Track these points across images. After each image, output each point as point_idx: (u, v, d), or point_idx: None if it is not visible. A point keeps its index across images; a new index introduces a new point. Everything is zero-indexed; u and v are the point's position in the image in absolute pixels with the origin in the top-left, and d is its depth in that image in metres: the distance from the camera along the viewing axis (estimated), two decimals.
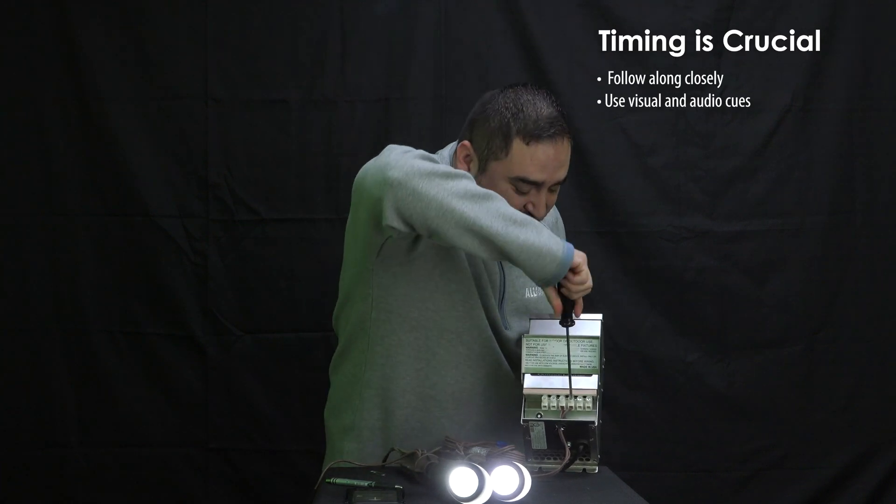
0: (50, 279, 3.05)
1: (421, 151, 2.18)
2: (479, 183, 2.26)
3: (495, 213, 2.10)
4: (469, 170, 2.28)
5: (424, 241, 2.24)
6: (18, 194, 3.04)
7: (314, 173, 3.05)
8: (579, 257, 2.14)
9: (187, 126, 3.05)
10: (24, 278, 3.05)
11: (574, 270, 2.14)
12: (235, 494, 3.07)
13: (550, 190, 2.27)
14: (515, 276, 2.36)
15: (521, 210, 2.25)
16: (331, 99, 3.06)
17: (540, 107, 2.23)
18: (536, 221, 2.15)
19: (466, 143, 2.29)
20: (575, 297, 2.16)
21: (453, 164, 2.31)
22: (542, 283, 2.15)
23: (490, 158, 2.25)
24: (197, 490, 3.07)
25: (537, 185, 2.24)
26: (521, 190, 2.24)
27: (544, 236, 2.12)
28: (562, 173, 2.26)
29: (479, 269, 2.32)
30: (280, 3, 3.06)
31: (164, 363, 3.06)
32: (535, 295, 2.39)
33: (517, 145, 2.22)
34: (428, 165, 2.11)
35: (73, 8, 3.00)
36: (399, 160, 2.12)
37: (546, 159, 2.22)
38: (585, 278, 2.15)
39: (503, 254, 2.18)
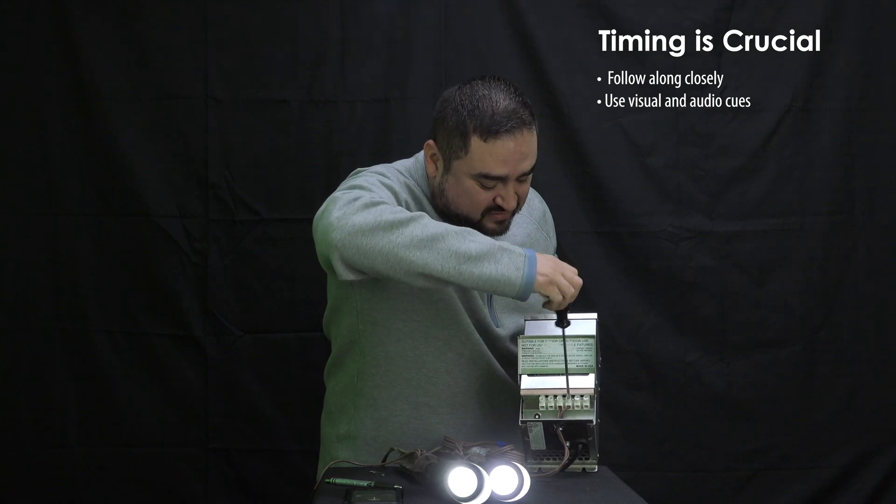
0: (50, 279, 3.05)
1: (369, 197, 2.14)
2: (445, 182, 2.27)
3: (446, 253, 2.09)
4: (437, 168, 2.28)
5: None
6: (18, 194, 3.04)
7: (314, 173, 3.05)
8: (546, 269, 2.11)
9: (187, 126, 3.05)
10: (24, 278, 3.05)
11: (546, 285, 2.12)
12: (235, 494, 3.07)
13: (519, 181, 2.26)
14: None
15: (490, 204, 2.25)
16: (331, 99, 3.06)
17: (496, 100, 2.21)
18: (495, 247, 2.10)
19: (431, 142, 2.29)
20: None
21: (425, 163, 2.31)
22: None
23: (452, 157, 2.24)
24: (197, 490, 3.07)
25: (502, 179, 2.23)
26: (486, 185, 2.24)
27: (502, 265, 2.10)
28: (526, 164, 2.24)
29: None
30: (280, 3, 3.06)
31: (164, 363, 3.06)
32: None
33: (475, 143, 2.21)
34: (370, 219, 2.08)
35: (73, 8, 3.00)
36: (340, 220, 2.10)
37: (506, 154, 2.20)
38: (563, 290, 2.13)
39: (462, 288, 2.21)
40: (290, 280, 3.05)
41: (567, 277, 2.14)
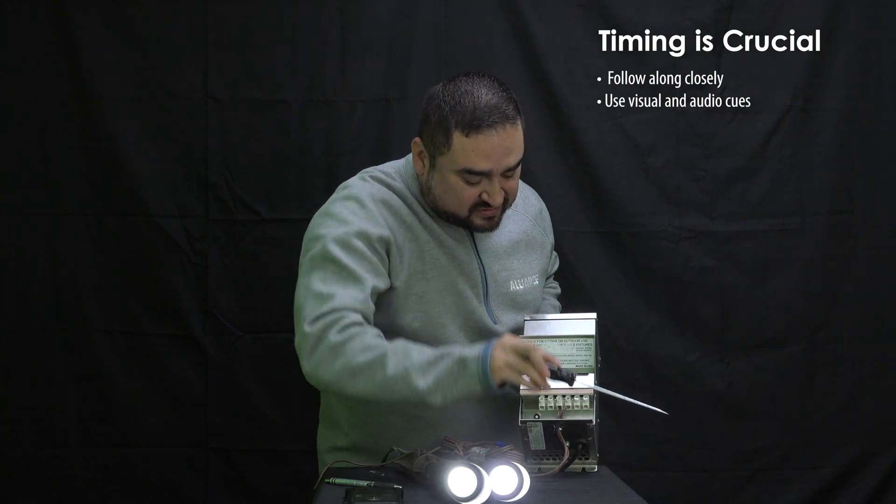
0: (50, 279, 3.05)
1: (337, 331, 2.20)
2: (431, 179, 2.28)
3: (408, 392, 2.15)
4: (424, 165, 2.29)
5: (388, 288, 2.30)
6: (18, 194, 3.04)
7: (314, 173, 3.05)
8: (497, 362, 2.11)
9: (187, 126, 3.05)
10: (24, 278, 3.05)
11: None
12: (235, 494, 3.07)
13: (505, 176, 2.25)
14: (497, 269, 2.36)
15: (476, 200, 2.25)
16: (331, 99, 3.06)
17: (478, 96, 2.21)
18: (450, 369, 2.13)
19: (417, 139, 2.30)
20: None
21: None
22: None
23: (436, 154, 2.25)
24: (197, 490, 3.07)
25: (486, 174, 2.23)
26: (471, 181, 2.24)
27: (459, 386, 2.13)
28: (511, 159, 2.23)
29: (452, 277, 2.31)
30: (280, 3, 3.06)
31: (164, 363, 3.06)
32: (522, 287, 2.39)
33: (457, 138, 2.21)
34: (336, 370, 2.19)
35: (73, 8, 3.00)
36: (310, 372, 2.25)
37: (490, 148, 2.20)
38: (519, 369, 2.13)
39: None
40: (290, 280, 3.02)
41: (514, 359, 2.13)
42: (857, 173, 3.10)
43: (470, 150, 2.21)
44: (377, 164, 2.46)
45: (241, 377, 3.07)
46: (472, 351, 2.13)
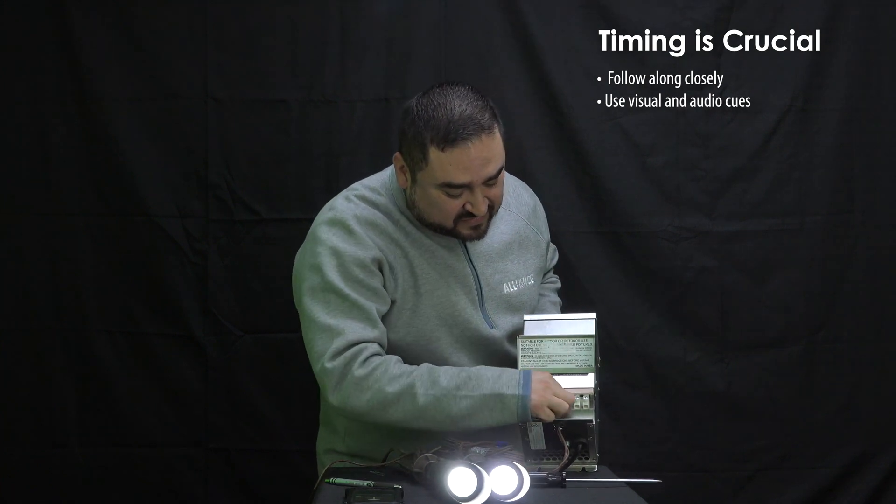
0: (50, 279, 3.04)
1: (357, 364, 2.22)
2: (414, 193, 2.27)
3: (441, 420, 2.18)
4: (406, 179, 2.27)
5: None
6: (18, 194, 3.04)
7: (314, 173, 3.05)
8: (537, 394, 2.14)
9: (187, 126, 3.05)
10: (24, 278, 3.04)
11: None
12: (235, 494, 3.07)
13: (487, 185, 2.24)
14: (490, 273, 2.36)
15: (461, 211, 2.24)
16: (331, 99, 3.05)
17: (451, 108, 2.18)
18: (486, 396, 2.16)
19: (398, 155, 2.28)
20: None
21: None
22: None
23: (416, 169, 2.24)
24: (197, 490, 3.07)
25: (466, 186, 2.22)
26: (452, 194, 2.22)
27: (496, 412, 2.16)
28: (490, 169, 2.22)
29: (445, 290, 2.31)
30: (280, 3, 3.05)
31: (164, 363, 3.06)
32: (516, 289, 2.39)
33: (434, 153, 2.19)
34: (364, 401, 2.20)
35: (73, 8, 3.00)
36: (340, 404, 2.22)
37: (467, 161, 2.19)
38: (556, 408, 2.15)
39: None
40: (289, 280, 3.04)
41: (561, 396, 2.16)
42: (857, 173, 3.10)
43: (447, 164, 2.19)
44: (377, 164, 2.46)
45: (241, 377, 3.07)
46: (509, 387, 2.16)
